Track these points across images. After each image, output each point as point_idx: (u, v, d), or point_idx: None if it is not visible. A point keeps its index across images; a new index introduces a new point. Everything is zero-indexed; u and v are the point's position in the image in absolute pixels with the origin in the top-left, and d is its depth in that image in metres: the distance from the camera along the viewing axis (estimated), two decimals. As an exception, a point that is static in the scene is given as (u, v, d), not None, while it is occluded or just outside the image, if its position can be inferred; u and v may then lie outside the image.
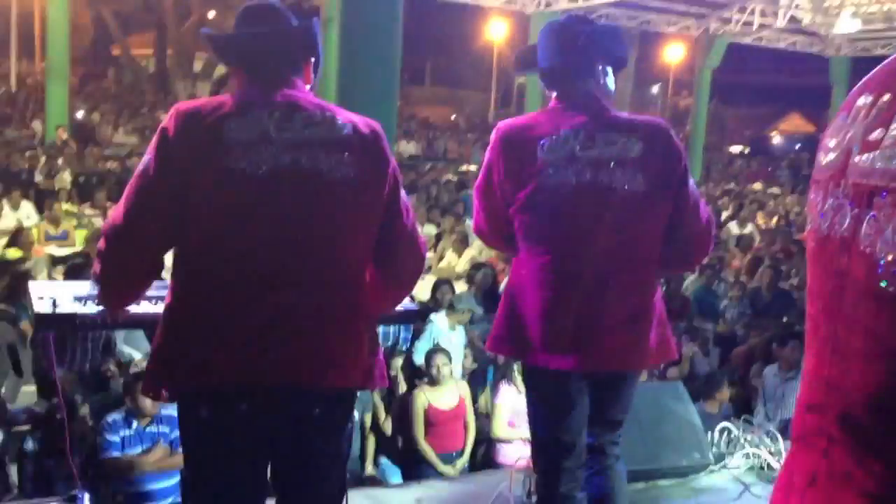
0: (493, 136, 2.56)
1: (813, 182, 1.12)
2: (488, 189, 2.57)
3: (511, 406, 4.99)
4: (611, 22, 20.30)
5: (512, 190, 2.49)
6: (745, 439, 4.14)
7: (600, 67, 2.55)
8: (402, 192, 2.19)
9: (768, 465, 4.01)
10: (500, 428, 5.01)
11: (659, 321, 2.57)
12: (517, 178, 2.47)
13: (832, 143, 1.08)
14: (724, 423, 4.23)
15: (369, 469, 4.87)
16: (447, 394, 5.01)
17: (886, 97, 1.01)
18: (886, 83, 1.04)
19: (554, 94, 2.58)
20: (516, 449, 4.87)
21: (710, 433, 4.12)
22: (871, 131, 1.01)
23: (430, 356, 5.12)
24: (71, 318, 2.24)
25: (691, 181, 2.54)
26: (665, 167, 2.46)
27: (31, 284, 2.62)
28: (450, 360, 5.19)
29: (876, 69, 1.08)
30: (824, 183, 1.07)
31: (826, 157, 1.08)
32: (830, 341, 1.03)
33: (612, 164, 2.41)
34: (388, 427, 5.13)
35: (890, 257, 0.93)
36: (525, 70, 2.80)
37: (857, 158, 1.01)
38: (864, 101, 1.05)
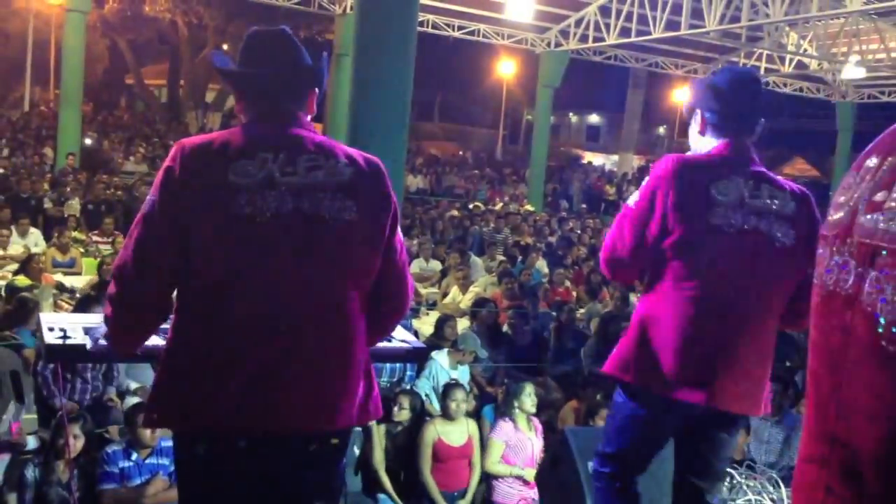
0: (662, 167, 2.58)
1: (820, 237, 1.13)
2: (646, 218, 2.56)
3: (506, 441, 4.96)
4: (620, 62, 20.51)
5: (675, 223, 2.51)
6: (748, 486, 4.11)
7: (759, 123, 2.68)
8: (399, 230, 2.20)
9: (771, 512, 3.98)
10: (493, 464, 4.95)
11: (767, 372, 2.63)
12: (682, 213, 2.51)
13: (841, 199, 1.10)
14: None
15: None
16: (458, 430, 4.98)
17: (891, 160, 1.04)
18: (893, 146, 1.06)
19: (721, 141, 2.65)
20: (511, 487, 4.86)
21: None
22: (875, 192, 1.03)
23: (447, 390, 5.09)
24: (81, 349, 2.25)
25: None
26: (809, 230, 2.54)
27: (42, 315, 2.63)
28: (466, 396, 5.17)
29: (885, 132, 1.10)
30: (831, 239, 1.09)
31: (835, 215, 1.10)
32: (834, 397, 1.04)
33: (773, 216, 2.53)
34: (380, 461, 4.98)
35: (890, 318, 0.95)
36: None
37: (862, 218, 1.04)
38: (871, 162, 1.07)
